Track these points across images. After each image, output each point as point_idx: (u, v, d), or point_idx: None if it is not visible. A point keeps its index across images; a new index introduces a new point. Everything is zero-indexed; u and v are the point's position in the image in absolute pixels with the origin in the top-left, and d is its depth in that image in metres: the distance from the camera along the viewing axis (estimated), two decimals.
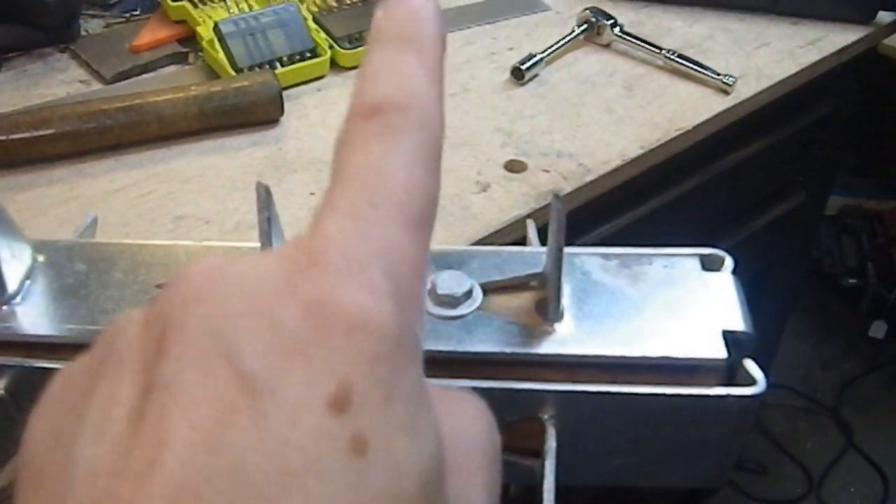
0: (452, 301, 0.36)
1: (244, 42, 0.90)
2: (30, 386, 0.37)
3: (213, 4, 0.98)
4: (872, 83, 1.28)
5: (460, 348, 0.35)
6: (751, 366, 0.36)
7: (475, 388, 0.34)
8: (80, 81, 0.94)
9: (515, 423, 0.36)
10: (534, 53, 0.94)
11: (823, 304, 2.14)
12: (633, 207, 0.98)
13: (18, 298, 0.38)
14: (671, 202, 1.02)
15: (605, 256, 0.40)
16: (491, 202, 0.78)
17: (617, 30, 0.99)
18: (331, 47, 0.93)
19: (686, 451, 0.37)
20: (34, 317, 0.37)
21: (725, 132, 0.95)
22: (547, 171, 0.82)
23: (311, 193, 0.79)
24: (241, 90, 0.84)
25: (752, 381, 0.35)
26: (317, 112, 0.89)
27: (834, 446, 1.92)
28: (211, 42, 0.92)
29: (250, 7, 0.98)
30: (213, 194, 0.78)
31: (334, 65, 0.94)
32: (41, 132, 0.80)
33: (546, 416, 0.35)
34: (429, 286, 0.37)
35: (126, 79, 0.94)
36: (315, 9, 0.99)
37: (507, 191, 0.79)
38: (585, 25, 1.00)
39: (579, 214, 0.84)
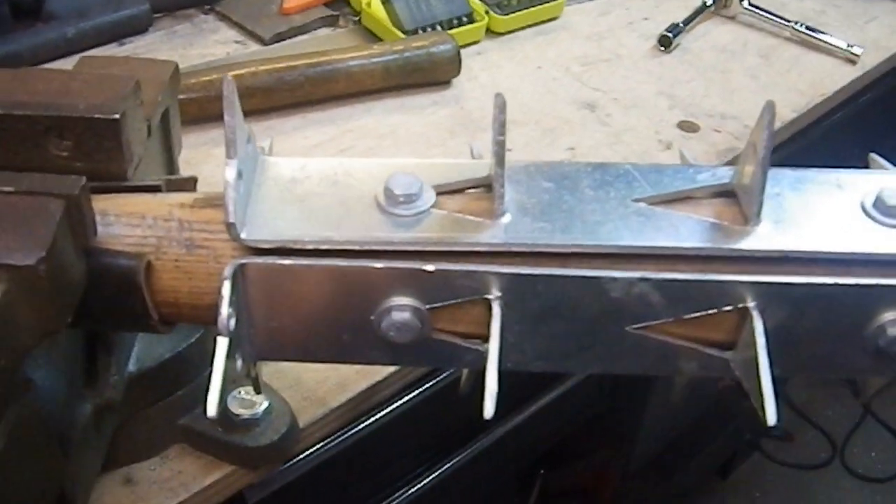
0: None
1: (407, 4, 0.93)
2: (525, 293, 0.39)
3: None
4: None
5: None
6: None
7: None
8: (236, 42, 0.95)
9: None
10: (676, 23, 0.98)
11: None
12: None
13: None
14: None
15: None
16: (677, 159, 0.82)
17: (745, 2, 1.03)
18: (486, 13, 0.96)
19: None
20: (531, 230, 0.40)
21: (852, 100, 1.01)
22: (718, 132, 0.86)
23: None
24: (422, 49, 0.86)
25: None
26: (485, 74, 0.92)
27: (852, 414, 2.01)
28: (369, 3, 0.94)
29: None
30: (413, 150, 0.81)
31: (487, 30, 0.97)
32: None
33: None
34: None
35: (282, 41, 0.95)
36: None
37: (688, 149, 0.83)
38: None
39: None
